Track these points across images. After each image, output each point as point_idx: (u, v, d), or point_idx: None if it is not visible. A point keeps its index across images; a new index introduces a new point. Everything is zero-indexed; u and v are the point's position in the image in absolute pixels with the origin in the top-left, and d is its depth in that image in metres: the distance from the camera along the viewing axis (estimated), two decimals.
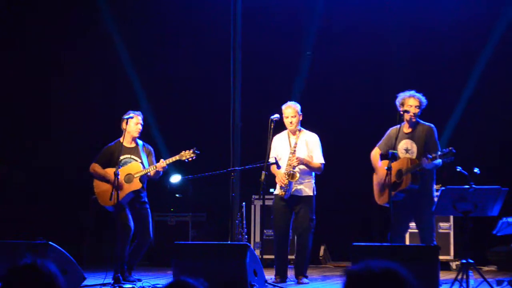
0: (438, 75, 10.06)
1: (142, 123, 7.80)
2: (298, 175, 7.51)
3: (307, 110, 7.81)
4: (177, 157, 7.60)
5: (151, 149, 7.96)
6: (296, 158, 7.50)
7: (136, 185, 7.59)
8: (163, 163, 7.56)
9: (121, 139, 7.75)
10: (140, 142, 7.87)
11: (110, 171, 7.59)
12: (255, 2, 10.32)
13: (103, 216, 8.26)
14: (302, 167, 7.56)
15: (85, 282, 6.83)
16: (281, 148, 7.72)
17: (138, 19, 11.08)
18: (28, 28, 10.84)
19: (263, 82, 10.57)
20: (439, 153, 6.55)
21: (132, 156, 7.72)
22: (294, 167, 7.51)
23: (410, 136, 6.98)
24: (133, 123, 7.67)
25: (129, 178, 7.58)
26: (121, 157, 7.64)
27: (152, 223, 7.93)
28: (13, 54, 10.82)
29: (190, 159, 7.59)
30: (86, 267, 7.18)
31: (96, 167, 7.75)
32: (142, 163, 7.69)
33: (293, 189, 7.55)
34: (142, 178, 7.64)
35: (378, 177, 7.05)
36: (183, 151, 7.61)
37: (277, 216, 7.68)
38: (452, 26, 10.02)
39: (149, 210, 7.81)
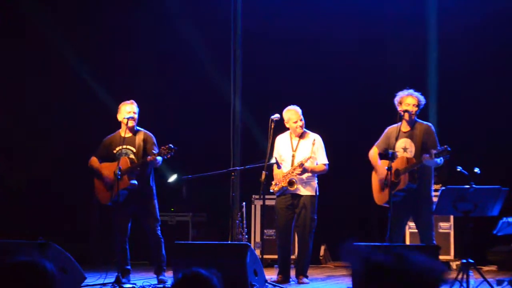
0: (438, 75, 10.06)
1: (136, 111, 7.49)
2: (296, 186, 7.52)
3: (307, 110, 7.80)
4: (156, 155, 7.20)
5: (151, 136, 7.54)
6: (301, 168, 7.48)
7: (124, 182, 7.24)
8: (149, 158, 7.22)
9: (120, 130, 7.54)
10: (138, 130, 7.54)
11: (105, 166, 7.42)
12: (255, 1, 10.32)
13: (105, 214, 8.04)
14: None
15: (86, 282, 6.83)
16: (283, 149, 7.73)
17: (137, 18, 11.07)
18: (34, 24, 10.82)
19: (263, 82, 10.57)
20: (435, 151, 6.54)
21: (128, 147, 7.43)
22: (298, 174, 7.52)
23: (408, 135, 6.99)
24: (125, 112, 7.43)
25: (120, 174, 7.19)
26: (117, 148, 7.42)
27: (151, 218, 7.51)
28: (13, 52, 10.82)
29: (168, 155, 7.21)
30: (86, 267, 7.17)
31: (92, 161, 7.51)
32: (135, 154, 7.37)
33: (296, 190, 7.58)
34: (131, 174, 7.31)
35: (378, 175, 7.04)
36: (162, 148, 7.23)
37: (279, 216, 7.69)
38: (451, 26, 10.01)
39: (144, 207, 7.47)
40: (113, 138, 7.53)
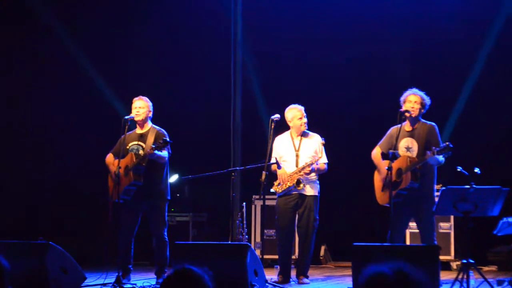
0: (439, 74, 10.06)
1: (143, 106, 7.45)
2: (302, 185, 7.52)
3: (307, 110, 7.79)
4: (154, 149, 7.08)
5: (163, 133, 7.46)
6: (310, 168, 7.49)
7: (129, 178, 7.21)
8: (146, 151, 7.21)
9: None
10: (152, 127, 7.52)
11: (117, 163, 7.31)
12: (256, 1, 10.32)
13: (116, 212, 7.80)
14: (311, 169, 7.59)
15: (86, 282, 6.82)
16: (284, 150, 7.71)
17: (138, 17, 11.07)
18: (37, 31, 10.82)
19: (263, 82, 10.57)
20: (437, 148, 6.53)
21: (139, 143, 7.42)
22: (306, 174, 7.52)
23: (411, 134, 6.97)
24: (133, 108, 7.48)
25: (126, 171, 7.22)
26: (130, 144, 7.43)
27: (158, 220, 7.45)
28: (16, 55, 10.83)
29: (164, 149, 7.16)
30: (86, 267, 7.16)
31: (108, 158, 7.53)
32: (144, 150, 7.32)
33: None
34: (136, 170, 7.25)
35: (381, 175, 7.03)
36: (158, 141, 7.17)
37: (281, 216, 7.68)
38: (452, 21, 9.99)
39: (154, 207, 7.40)
40: (128, 135, 7.49)
